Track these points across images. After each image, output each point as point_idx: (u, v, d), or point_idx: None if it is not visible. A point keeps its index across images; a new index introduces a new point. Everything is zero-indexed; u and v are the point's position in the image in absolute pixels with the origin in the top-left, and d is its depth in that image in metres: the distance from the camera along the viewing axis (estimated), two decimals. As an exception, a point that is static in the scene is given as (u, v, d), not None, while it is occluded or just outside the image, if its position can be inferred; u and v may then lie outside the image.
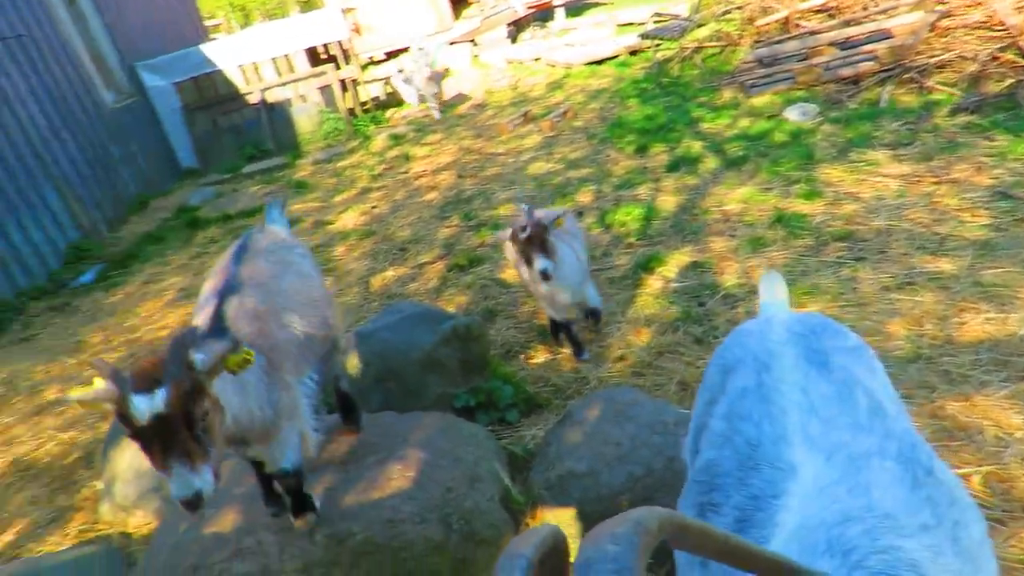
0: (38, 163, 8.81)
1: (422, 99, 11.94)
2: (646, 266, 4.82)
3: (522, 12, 15.00)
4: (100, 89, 10.83)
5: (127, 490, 3.42)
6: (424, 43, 12.10)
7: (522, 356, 4.28)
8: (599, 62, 12.21)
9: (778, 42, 8.78)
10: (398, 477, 2.52)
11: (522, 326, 4.62)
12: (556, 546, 0.63)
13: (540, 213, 3.68)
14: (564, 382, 3.92)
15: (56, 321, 7.18)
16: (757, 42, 9.35)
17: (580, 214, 6.12)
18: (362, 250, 6.69)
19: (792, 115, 7.12)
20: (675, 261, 4.84)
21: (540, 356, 4.26)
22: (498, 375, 3.79)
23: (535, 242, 3.38)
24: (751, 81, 8.36)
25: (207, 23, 22.56)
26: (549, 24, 15.79)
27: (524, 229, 3.39)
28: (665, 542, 0.60)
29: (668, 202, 5.87)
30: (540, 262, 3.35)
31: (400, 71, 12.24)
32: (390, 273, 5.98)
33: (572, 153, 7.98)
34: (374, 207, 7.91)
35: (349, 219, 7.71)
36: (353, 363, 3.61)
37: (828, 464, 1.07)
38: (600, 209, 6.06)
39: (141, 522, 3.38)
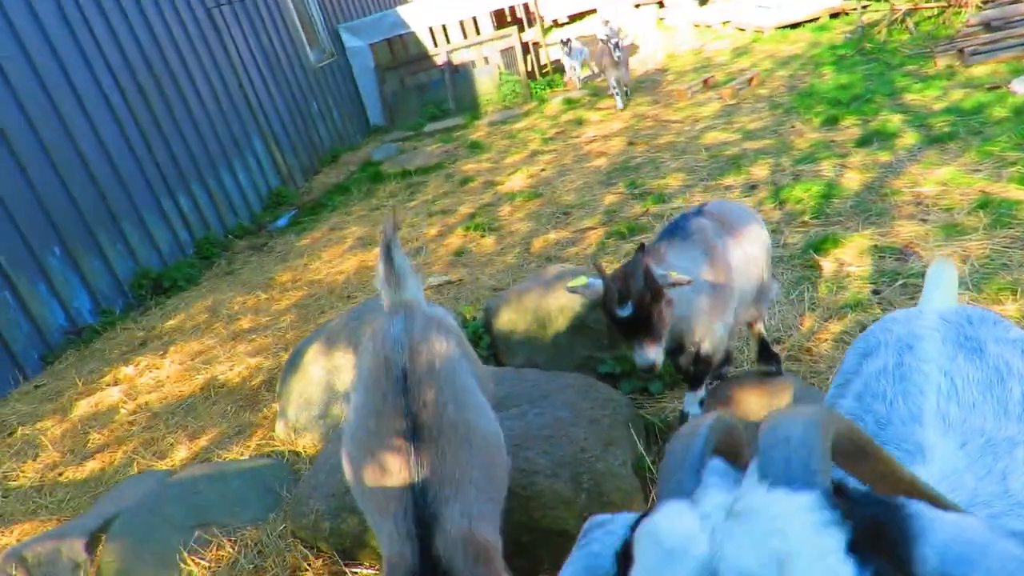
0: (250, 115, 9.79)
1: (586, 79, 11.52)
2: (819, 247, 4.52)
3: (713, -28, 14.26)
4: (306, 49, 11.78)
5: (298, 415, 3.81)
6: (609, 16, 11.72)
7: (674, 329, 4.21)
8: (793, 26, 11.40)
9: (1012, 2, 7.72)
10: (535, 431, 2.61)
11: (677, 299, 4.53)
12: (732, 426, 0.65)
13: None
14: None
15: (253, 259, 8.04)
16: (986, 2, 8.29)
17: (753, 188, 5.85)
18: (527, 211, 6.83)
19: (1019, 88, 6.26)
20: (853, 244, 4.49)
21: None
22: (646, 345, 3.75)
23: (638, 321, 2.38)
24: (973, 48, 7.44)
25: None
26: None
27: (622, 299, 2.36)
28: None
29: (853, 180, 5.43)
30: (642, 354, 2.44)
31: (565, 42, 11.73)
32: (551, 236, 6.07)
33: (752, 123, 7.58)
34: (542, 170, 8.02)
35: (517, 181, 7.88)
36: (509, 318, 3.75)
37: (962, 450, 0.99)
38: (775, 184, 5.73)
39: (308, 443, 3.76)
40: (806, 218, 5.04)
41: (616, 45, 9.39)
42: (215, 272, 7.90)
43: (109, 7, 7.62)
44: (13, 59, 6.41)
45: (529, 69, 12.59)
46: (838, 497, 0.50)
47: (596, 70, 11.70)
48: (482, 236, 6.50)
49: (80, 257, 6.79)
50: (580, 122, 9.74)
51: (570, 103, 10.88)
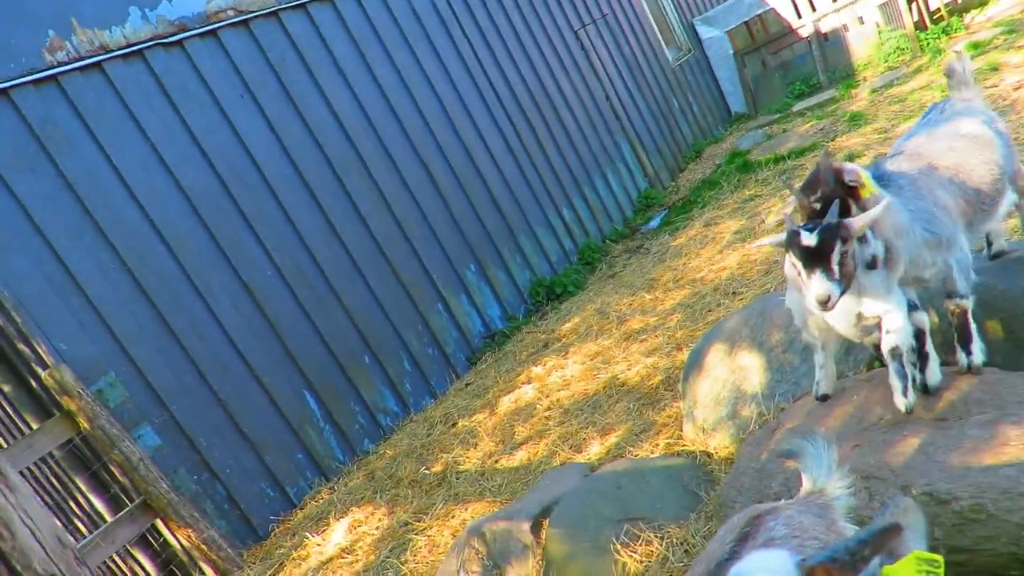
0: (617, 124, 10.25)
1: None
2: None
3: None
4: (664, 49, 11.94)
5: (707, 415, 3.79)
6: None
7: None
8: None
9: None
10: (1015, 443, 2.18)
11: None
12: None
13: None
14: None
15: (632, 261, 8.35)
16: None
17: None
18: (936, 183, 5.89)
19: None
20: None
21: None
22: None
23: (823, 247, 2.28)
24: None
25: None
26: None
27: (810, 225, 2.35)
28: None
29: None
30: (816, 285, 2.29)
31: None
32: (975, 208, 5.13)
33: None
34: (950, 132, 6.85)
35: (918, 149, 6.86)
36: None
37: None
38: None
39: (719, 445, 3.72)
40: None
41: None
42: (598, 276, 8.41)
43: (496, 45, 8.66)
44: (431, 103, 7.69)
45: (915, 19, 10.95)
46: None
47: None
48: (881, 217, 5.78)
49: (489, 271, 7.81)
50: (994, 68, 8.12)
51: (977, 47, 9.15)
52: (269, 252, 6.08)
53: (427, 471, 5.35)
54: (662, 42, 11.98)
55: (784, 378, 3.51)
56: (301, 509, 5.75)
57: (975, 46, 9.21)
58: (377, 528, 4.87)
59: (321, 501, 5.69)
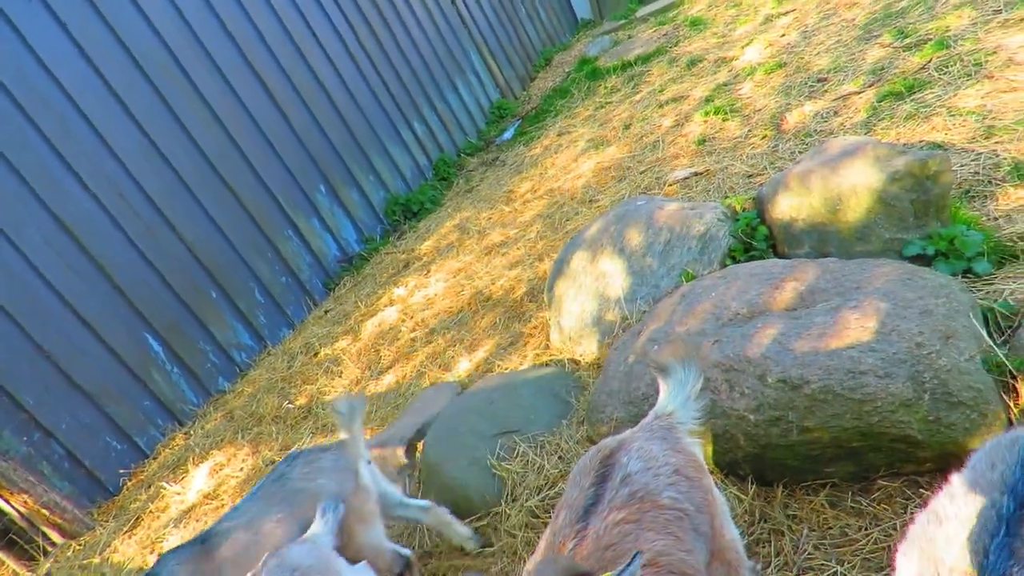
0: (465, 31, 9.86)
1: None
2: None
3: None
4: (507, -49, 11.50)
5: (572, 322, 3.83)
6: None
7: (986, 198, 3.57)
8: None
9: None
10: (855, 327, 2.33)
11: (985, 162, 3.82)
12: None
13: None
14: (1052, 229, 3.17)
15: (489, 174, 8.23)
16: None
17: None
18: (772, 86, 6.16)
19: None
20: None
21: (1011, 198, 3.49)
22: (960, 220, 3.22)
23: None
24: None
25: None
26: None
27: None
28: None
29: None
30: None
31: None
32: (807, 108, 5.42)
33: (1057, -71, 6.05)
34: (782, 35, 7.15)
35: (754, 52, 7.13)
36: (789, 204, 3.39)
37: None
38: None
39: (586, 351, 3.78)
40: None
41: None
42: (456, 191, 8.23)
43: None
44: (260, 7, 6.94)
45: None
46: None
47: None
48: (724, 120, 6.00)
49: (341, 191, 7.41)
50: (817, -27, 8.50)
51: (802, -47, 9.53)
52: (83, 180, 5.36)
53: (290, 405, 5.12)
54: (505, -57, 11.54)
55: (644, 281, 3.58)
56: (155, 459, 5.37)
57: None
58: (241, 469, 4.63)
59: (176, 448, 5.33)
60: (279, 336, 6.50)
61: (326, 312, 6.62)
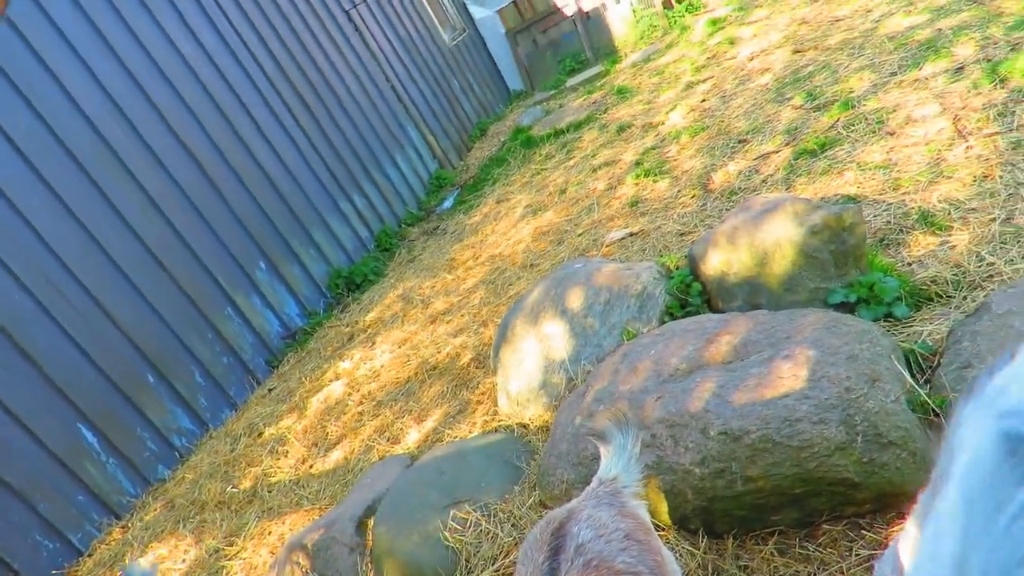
0: (400, 106, 10.09)
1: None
2: (1067, 122, 3.87)
3: None
4: (439, 29, 11.92)
5: (519, 387, 3.86)
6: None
7: (899, 245, 3.80)
8: None
9: None
10: (788, 376, 2.43)
11: (895, 212, 4.08)
12: None
13: None
14: (959, 273, 3.39)
15: (430, 244, 8.31)
16: None
17: (960, 70, 5.13)
18: (696, 147, 6.48)
19: None
20: (1112, 111, 3.80)
21: (921, 245, 3.73)
22: (877, 267, 3.41)
23: None
24: None
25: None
26: None
27: None
28: None
29: (1092, 37, 4.60)
30: None
31: None
32: (731, 168, 5.71)
33: (940, -1, 6.65)
34: (703, 100, 7.57)
35: (678, 117, 7.50)
36: (720, 259, 3.54)
37: None
38: (989, 60, 4.99)
39: (534, 415, 3.80)
40: (1041, 92, 4.33)
41: None
42: (398, 262, 8.27)
43: (261, 26, 8.07)
44: (192, 86, 6.98)
45: (663, -1, 11.94)
46: None
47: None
48: (654, 181, 6.25)
49: (282, 267, 7.36)
50: (732, 41, 9.08)
51: (715, 23, 10.18)
52: (16, 275, 5.21)
53: (235, 489, 4.94)
54: (436, 23, 11.97)
55: (588, 342, 3.65)
56: (90, 556, 5.08)
57: (715, 23, 10.24)
58: (184, 561, 4.41)
59: (114, 543, 5.06)
60: (221, 418, 6.31)
61: (270, 390, 6.47)
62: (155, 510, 5.23)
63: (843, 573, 2.26)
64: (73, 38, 6.02)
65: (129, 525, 5.22)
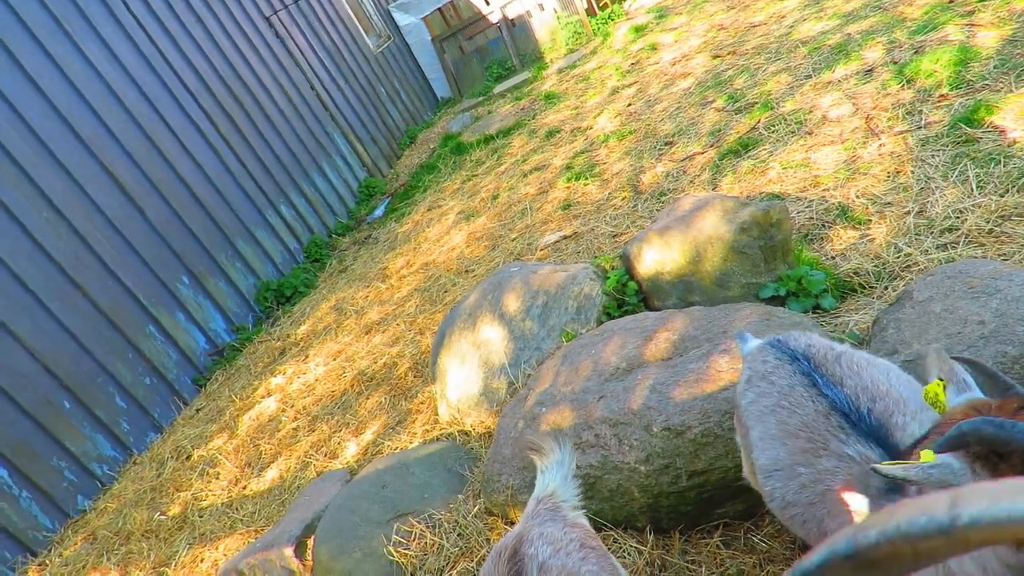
0: (327, 115, 9.89)
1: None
2: (970, 119, 4.09)
3: None
4: (363, 36, 11.76)
5: (458, 394, 3.80)
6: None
7: (823, 240, 3.94)
8: None
9: None
10: (726, 369, 2.46)
11: (817, 208, 4.23)
12: None
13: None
14: (880, 264, 3.53)
15: (362, 253, 8.16)
16: None
17: (870, 72, 5.37)
18: (624, 150, 6.58)
19: None
20: (1010, 107, 4.03)
21: (843, 239, 3.88)
22: (804, 261, 3.52)
23: None
24: None
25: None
26: None
27: None
28: None
29: (989, 38, 4.88)
30: None
31: None
32: (659, 169, 5.82)
33: (848, 3, 6.96)
34: (629, 105, 7.70)
35: (605, 121, 7.60)
36: (654, 259, 3.58)
37: None
38: (895, 63, 5.24)
39: (475, 421, 3.75)
40: (944, 91, 4.57)
41: None
42: (329, 272, 8.08)
43: (175, 31, 7.76)
44: (109, 104, 6.65)
45: (587, 6, 12.11)
46: None
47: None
48: (585, 184, 6.31)
49: (207, 281, 7.08)
50: (654, 47, 9.28)
51: (638, 30, 10.39)
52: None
53: (163, 516, 4.70)
54: (360, 29, 11.80)
55: (527, 345, 3.63)
56: (3, 599, 4.74)
57: (637, 29, 10.45)
58: (109, 596, 4.16)
59: (29, 583, 4.73)
60: (146, 442, 6.00)
61: (198, 411, 6.20)
62: (75, 544, 4.92)
63: (788, 563, 2.30)
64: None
65: (48, 562, 4.89)
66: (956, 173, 3.80)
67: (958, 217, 3.51)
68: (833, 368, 1.68)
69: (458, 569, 2.89)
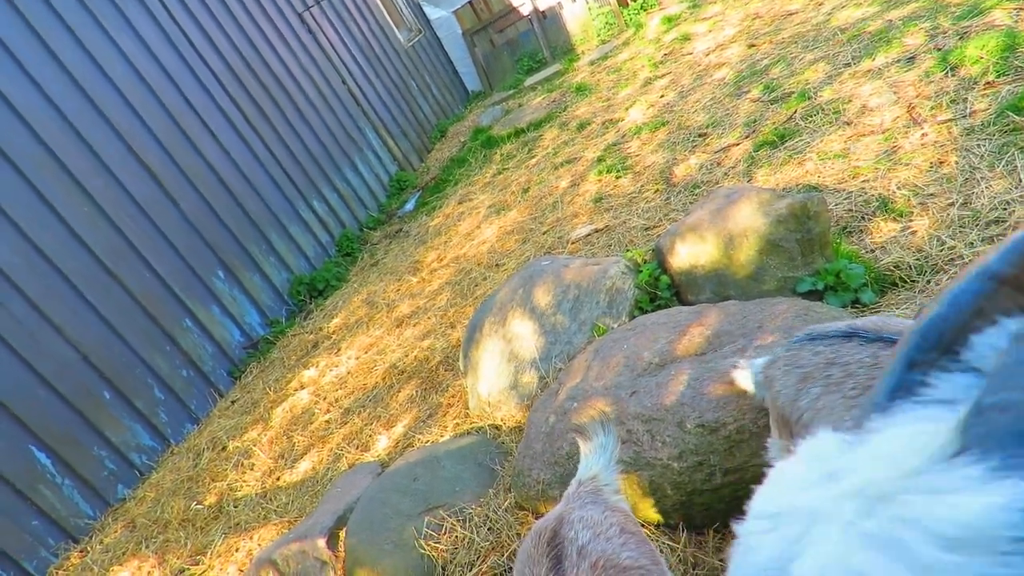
0: (358, 109, 9.94)
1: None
2: (1018, 107, 3.94)
3: None
4: (394, 30, 11.79)
5: (489, 388, 3.79)
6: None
7: (862, 232, 3.84)
8: None
9: None
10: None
11: (856, 200, 4.12)
12: None
13: None
14: (922, 258, 3.43)
15: (393, 247, 8.20)
16: None
17: (912, 60, 5.22)
18: (657, 142, 6.49)
19: None
20: (1061, 94, 3.88)
21: (883, 231, 3.77)
22: (843, 254, 3.43)
23: None
24: None
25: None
26: None
27: None
28: None
29: (1038, 23, 4.71)
30: None
31: None
32: (692, 161, 5.73)
33: (889, -9, 6.78)
34: (662, 96, 7.60)
35: (637, 113, 7.52)
36: (688, 252, 3.53)
37: None
38: (939, 50, 5.08)
39: (506, 415, 3.74)
40: (991, 78, 4.42)
41: None
42: (361, 266, 8.13)
43: (209, 27, 7.87)
44: (140, 94, 6.77)
45: (618, -4, 11.99)
46: None
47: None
48: (617, 177, 6.24)
49: (241, 275, 7.17)
50: (687, 38, 9.15)
51: (670, 20, 10.26)
52: (-48, 288, 4.97)
53: (199, 506, 4.78)
54: (391, 24, 11.83)
55: (558, 339, 3.61)
56: (47, 584, 4.87)
57: (670, 19, 10.31)
58: (147, 583, 4.25)
59: (72, 568, 4.85)
60: (183, 433, 6.11)
61: (233, 402, 6.29)
62: (115, 531, 5.04)
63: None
64: (9, 41, 5.78)
65: (88, 548, 5.02)
66: (1003, 163, 3.67)
67: (1005, 209, 3.39)
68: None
69: (488, 563, 2.88)
